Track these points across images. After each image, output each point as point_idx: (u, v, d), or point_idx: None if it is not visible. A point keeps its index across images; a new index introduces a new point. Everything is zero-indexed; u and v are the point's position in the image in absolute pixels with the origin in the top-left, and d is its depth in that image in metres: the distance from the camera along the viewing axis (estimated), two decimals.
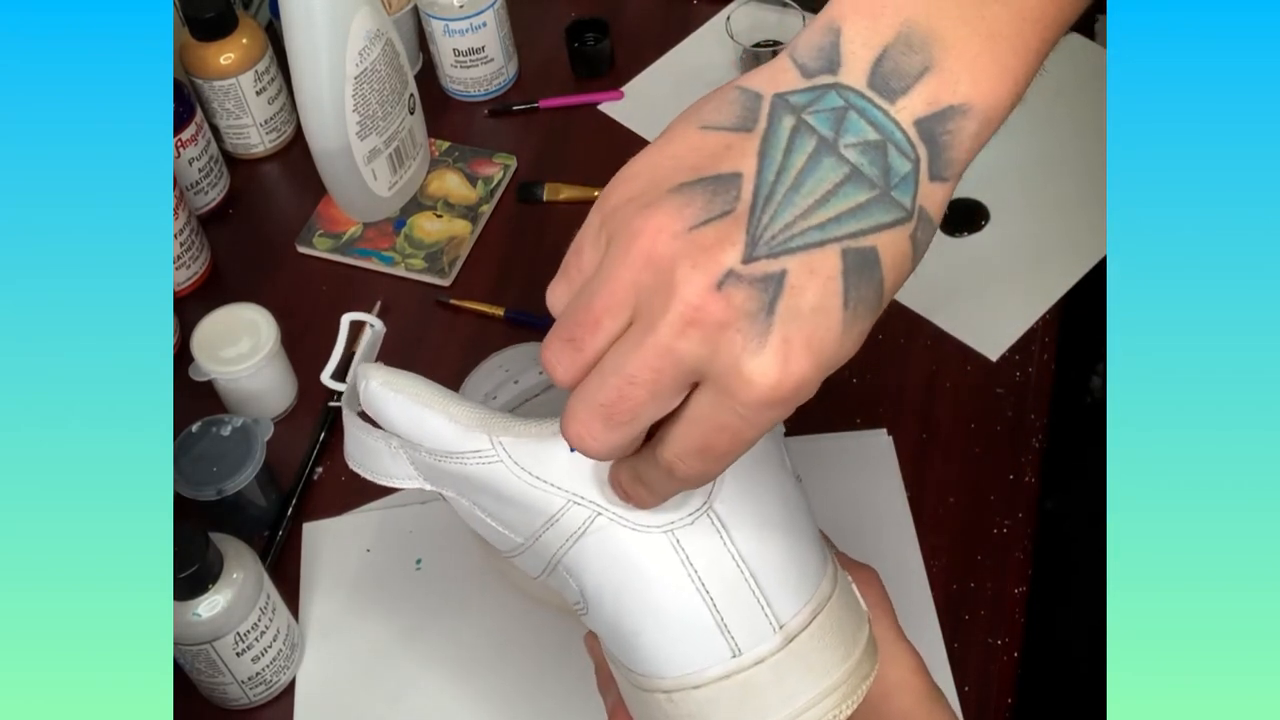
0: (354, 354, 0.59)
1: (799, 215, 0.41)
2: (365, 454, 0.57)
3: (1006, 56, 0.42)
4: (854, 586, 0.56)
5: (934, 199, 0.42)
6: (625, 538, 0.51)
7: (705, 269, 0.40)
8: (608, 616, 0.53)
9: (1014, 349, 0.84)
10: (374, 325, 0.60)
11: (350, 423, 0.58)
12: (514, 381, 0.75)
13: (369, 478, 0.58)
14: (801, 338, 0.41)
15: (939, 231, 0.96)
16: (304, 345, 0.87)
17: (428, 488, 0.56)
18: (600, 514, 0.51)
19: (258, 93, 0.97)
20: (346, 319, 0.60)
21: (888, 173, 0.41)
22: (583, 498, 0.51)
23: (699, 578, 0.51)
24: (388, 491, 0.81)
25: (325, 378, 0.59)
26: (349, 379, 0.58)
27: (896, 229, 0.42)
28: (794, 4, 0.99)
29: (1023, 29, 0.42)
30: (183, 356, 0.83)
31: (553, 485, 0.52)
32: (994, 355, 0.84)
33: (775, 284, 0.40)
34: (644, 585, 0.51)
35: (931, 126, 0.42)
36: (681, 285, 0.40)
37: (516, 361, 0.78)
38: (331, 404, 0.85)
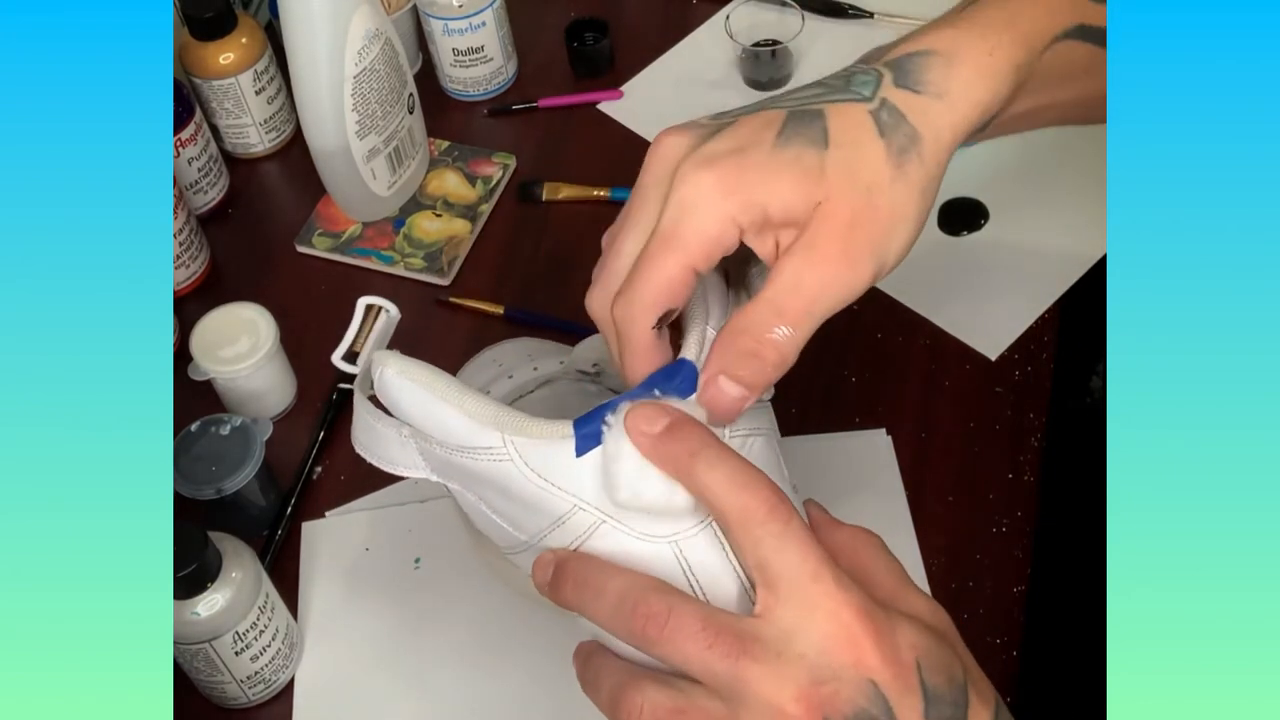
0: (367, 337, 0.59)
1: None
2: (373, 440, 0.57)
3: (978, 26, 0.55)
4: None
5: (906, 100, 0.53)
6: (629, 545, 0.51)
7: (686, 126, 0.54)
8: None
9: (1013, 348, 0.84)
10: (389, 311, 0.60)
11: (361, 407, 0.58)
12: (508, 376, 0.75)
13: (374, 463, 0.58)
14: (732, 152, 0.52)
15: (938, 231, 0.97)
16: (303, 345, 0.87)
17: (433, 479, 0.56)
18: (605, 521, 0.51)
19: (257, 92, 0.97)
20: (362, 302, 0.60)
21: (849, 82, 0.54)
22: (588, 503, 0.51)
23: (700, 588, 0.51)
24: (389, 484, 0.81)
25: (336, 358, 0.59)
26: (362, 363, 0.58)
27: (848, 103, 0.53)
28: (793, 3, 0.99)
29: (1002, 34, 0.55)
30: (182, 356, 0.83)
31: (560, 489, 0.52)
32: (993, 355, 0.84)
33: (728, 123, 0.53)
34: None
35: (898, 61, 0.55)
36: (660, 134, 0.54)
37: (510, 356, 0.77)
38: (342, 385, 0.85)
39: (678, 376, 0.52)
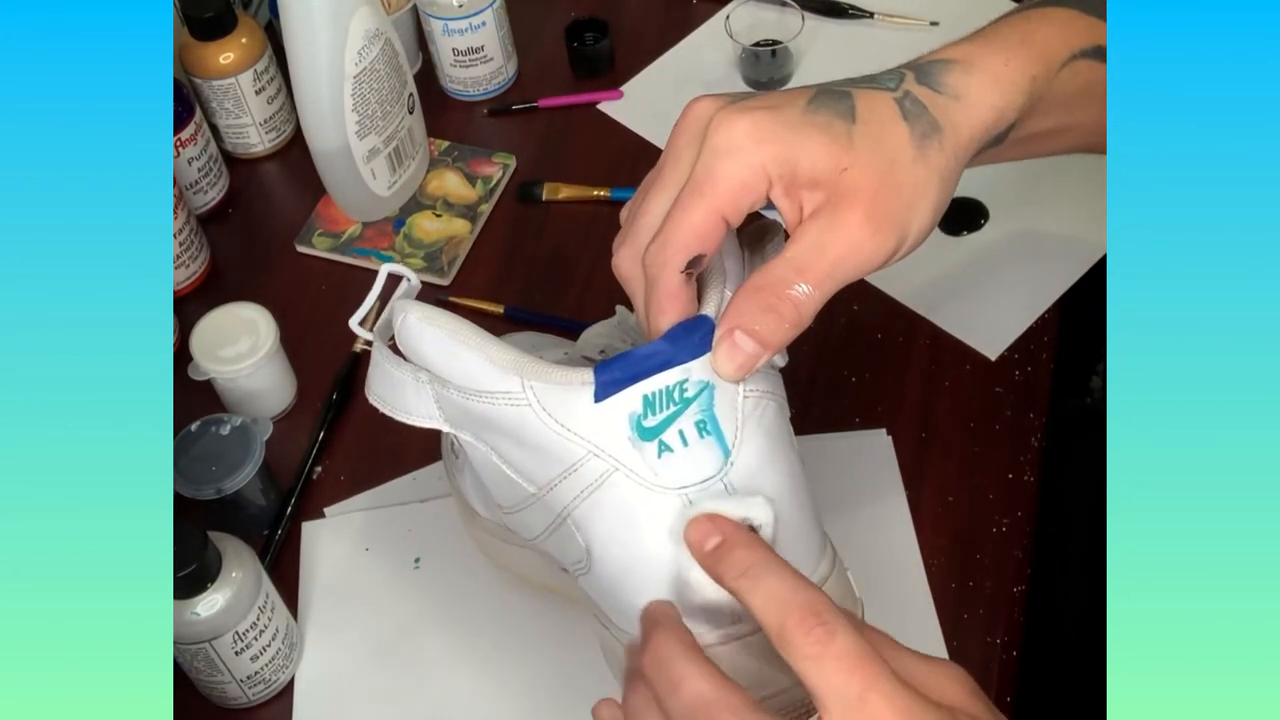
0: (383, 307, 0.60)
1: None
2: (389, 388, 0.58)
3: (995, 42, 0.58)
4: (849, 574, 0.57)
5: (927, 95, 0.55)
6: (640, 495, 0.52)
7: (716, 96, 0.55)
8: (609, 574, 0.54)
9: (1013, 348, 0.84)
10: (410, 280, 0.61)
11: (380, 355, 0.58)
12: None
13: (387, 412, 0.58)
14: (765, 107, 0.53)
15: (939, 231, 0.97)
16: (303, 344, 0.87)
17: (446, 429, 0.57)
18: (617, 469, 0.52)
19: (257, 92, 0.97)
20: (385, 269, 0.61)
21: (873, 78, 0.56)
22: (603, 450, 0.52)
23: None
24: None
25: (353, 323, 0.60)
26: (383, 316, 0.59)
27: (873, 90, 0.55)
28: (793, 3, 0.99)
29: (1017, 49, 0.58)
30: (182, 356, 0.83)
31: (576, 435, 0.53)
32: (993, 355, 0.84)
33: (757, 93, 0.55)
34: (652, 546, 0.52)
35: (920, 65, 0.57)
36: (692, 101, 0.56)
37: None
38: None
39: (697, 331, 0.53)
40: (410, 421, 0.58)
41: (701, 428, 0.53)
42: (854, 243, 0.52)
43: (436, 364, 0.55)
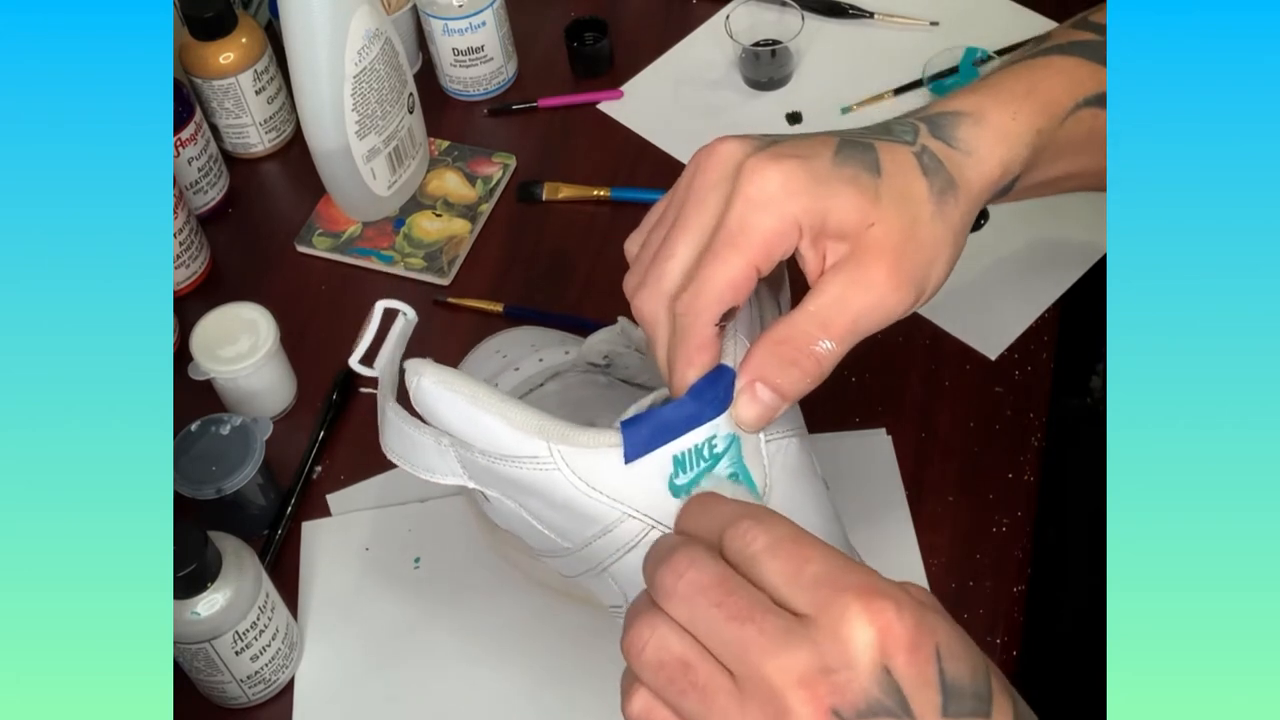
0: (383, 341, 0.59)
1: None
2: (409, 448, 0.57)
3: (1001, 93, 0.59)
4: None
5: (942, 150, 0.56)
6: None
7: (740, 136, 0.55)
8: None
9: (1013, 348, 0.84)
10: (407, 315, 0.60)
11: (393, 413, 0.57)
12: (514, 368, 0.75)
13: (409, 470, 0.57)
14: (796, 156, 0.53)
15: None
16: (303, 344, 0.87)
17: (471, 485, 0.56)
18: (654, 528, 0.52)
19: (257, 92, 0.97)
20: (380, 305, 0.60)
21: (888, 129, 0.57)
22: (638, 511, 0.52)
23: None
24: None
25: (353, 362, 0.59)
26: (388, 367, 0.58)
27: (893, 143, 0.55)
28: (793, 3, 0.99)
29: (1023, 101, 0.58)
30: (182, 355, 0.83)
31: (609, 498, 0.52)
32: (993, 354, 0.84)
33: (782, 137, 0.55)
34: None
35: (931, 117, 0.57)
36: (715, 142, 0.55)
37: (513, 347, 0.77)
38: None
39: (720, 384, 0.52)
40: (433, 479, 0.56)
41: (734, 479, 0.53)
42: (878, 298, 0.52)
43: (457, 429, 0.54)
